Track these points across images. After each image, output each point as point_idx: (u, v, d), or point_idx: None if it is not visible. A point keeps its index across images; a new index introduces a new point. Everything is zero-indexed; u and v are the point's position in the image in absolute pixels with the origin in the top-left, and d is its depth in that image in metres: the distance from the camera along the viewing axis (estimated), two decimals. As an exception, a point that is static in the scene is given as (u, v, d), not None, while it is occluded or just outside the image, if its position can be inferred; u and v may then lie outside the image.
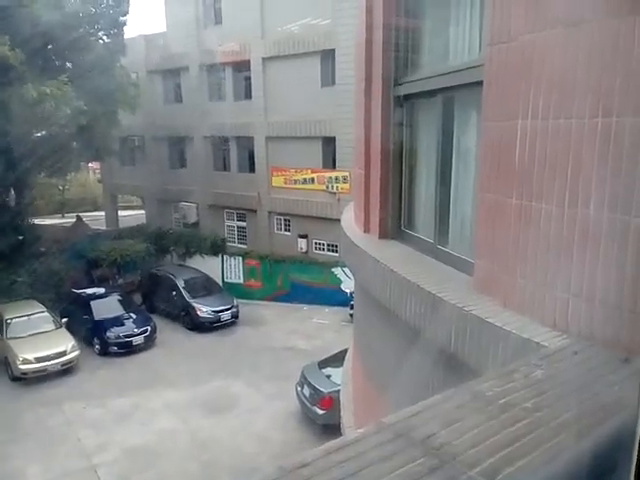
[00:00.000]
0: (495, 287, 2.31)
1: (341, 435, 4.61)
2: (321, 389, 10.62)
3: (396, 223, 3.66)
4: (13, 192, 19.69)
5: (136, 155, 25.61)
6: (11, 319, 14.37)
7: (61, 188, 32.85)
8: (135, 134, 24.42)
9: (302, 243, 19.63)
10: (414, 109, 3.46)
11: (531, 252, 2.09)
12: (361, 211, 3.97)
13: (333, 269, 17.82)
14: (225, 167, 22.70)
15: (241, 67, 20.78)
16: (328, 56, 18.01)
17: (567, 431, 1.30)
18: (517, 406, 1.45)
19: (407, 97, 3.43)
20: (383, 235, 3.66)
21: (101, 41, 19.77)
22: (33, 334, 14.10)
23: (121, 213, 28.76)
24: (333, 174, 18.41)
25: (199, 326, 16.62)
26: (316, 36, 17.88)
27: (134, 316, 16.16)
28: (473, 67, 2.62)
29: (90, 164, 32.17)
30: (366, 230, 3.88)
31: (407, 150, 3.53)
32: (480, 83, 2.43)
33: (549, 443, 1.26)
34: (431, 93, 3.13)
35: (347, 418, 4.24)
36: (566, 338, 1.90)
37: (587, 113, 1.83)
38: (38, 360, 13.43)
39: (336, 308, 17.24)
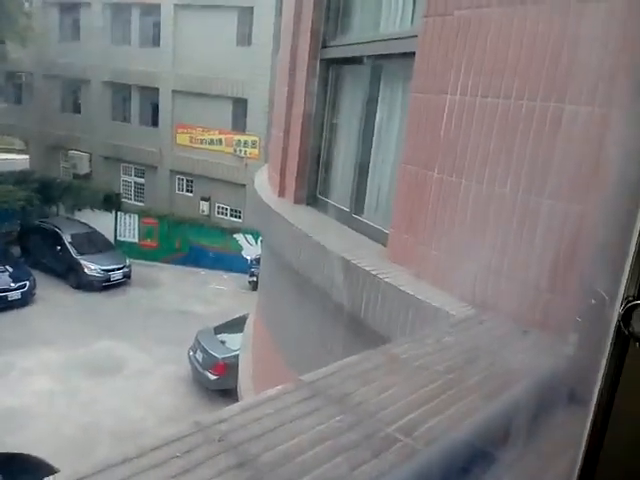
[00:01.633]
0: (409, 258, 2.37)
1: (236, 399, 4.59)
2: (215, 354, 10.52)
3: (312, 189, 3.63)
4: None
5: (23, 93, 23.07)
6: None
7: None
8: (23, 70, 21.93)
9: (204, 206, 19.05)
10: (341, 74, 3.41)
11: (447, 226, 2.16)
12: (277, 174, 3.88)
13: (235, 235, 17.55)
14: (125, 118, 21.17)
15: (150, 11, 19.34)
16: (246, 14, 17.33)
17: (477, 392, 1.37)
18: (430, 369, 1.50)
19: (334, 61, 3.38)
20: (298, 200, 3.62)
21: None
22: None
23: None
24: (242, 137, 17.96)
25: (86, 285, 15.61)
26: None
27: (10, 269, 14.77)
28: (405, 37, 2.62)
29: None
30: (281, 194, 3.81)
31: (329, 115, 3.50)
32: (411, 54, 2.44)
33: (461, 402, 1.31)
34: (359, 60, 3.10)
35: (245, 382, 4.21)
36: (472, 308, 2.00)
37: (514, 94, 1.90)
38: None
39: (235, 274, 17.06)
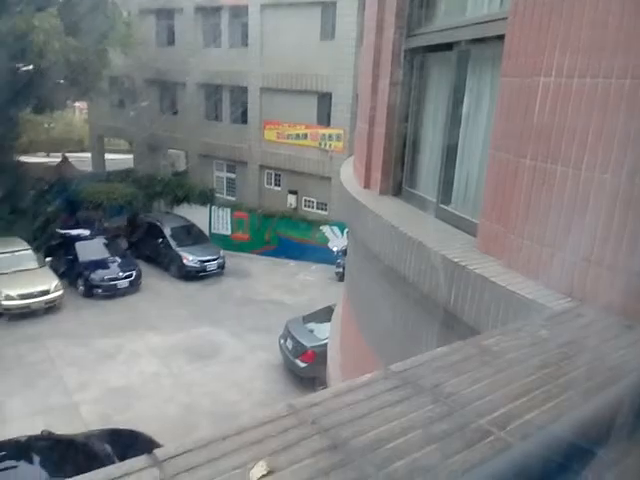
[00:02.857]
0: (500, 248, 2.31)
1: (324, 386, 4.70)
2: (304, 343, 10.79)
3: (398, 180, 3.62)
4: (-3, 127, 19.07)
5: (125, 97, 24.86)
6: (-6, 255, 14.20)
7: (47, 126, 31.91)
8: (125, 75, 23.61)
9: (292, 199, 19.50)
10: (426, 62, 3.36)
11: (541, 214, 2.07)
12: (362, 166, 3.90)
13: (321, 227, 17.81)
14: (217, 117, 22.17)
15: (238, 12, 20.02)
16: (329, 8, 17.39)
17: (575, 389, 1.31)
18: (524, 362, 1.46)
19: (419, 50, 3.32)
20: (384, 191, 3.62)
21: (93, -26, 18.79)
22: (16, 271, 13.98)
23: (108, 156, 28.14)
24: (327, 131, 18.12)
25: (185, 274, 16.62)
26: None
27: (119, 260, 16.07)
28: (494, 20, 2.52)
29: (77, 103, 31.15)
30: (366, 186, 3.83)
31: (415, 105, 3.45)
32: (499, 37, 2.35)
33: (558, 399, 1.27)
34: (445, 46, 3.03)
35: (334, 370, 4.30)
36: (570, 301, 1.91)
37: (614, 73, 1.78)
38: (21, 297, 13.37)
39: (323, 266, 17.33)
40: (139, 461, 1.04)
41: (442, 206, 3.05)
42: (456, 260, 2.33)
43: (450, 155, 3.03)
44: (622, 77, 1.76)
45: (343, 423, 1.18)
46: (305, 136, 18.87)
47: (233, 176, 21.69)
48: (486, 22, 2.62)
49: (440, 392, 1.31)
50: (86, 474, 0.99)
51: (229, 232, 19.47)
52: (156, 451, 1.08)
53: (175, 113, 23.26)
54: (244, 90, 20.22)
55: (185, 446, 1.10)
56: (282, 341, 11.58)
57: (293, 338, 11.08)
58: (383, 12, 3.61)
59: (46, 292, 13.77)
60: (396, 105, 3.52)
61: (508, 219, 2.25)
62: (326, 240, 17.68)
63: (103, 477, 1.00)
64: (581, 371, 1.41)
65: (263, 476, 1.00)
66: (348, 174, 4.47)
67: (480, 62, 2.84)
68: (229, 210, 19.49)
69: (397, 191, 3.61)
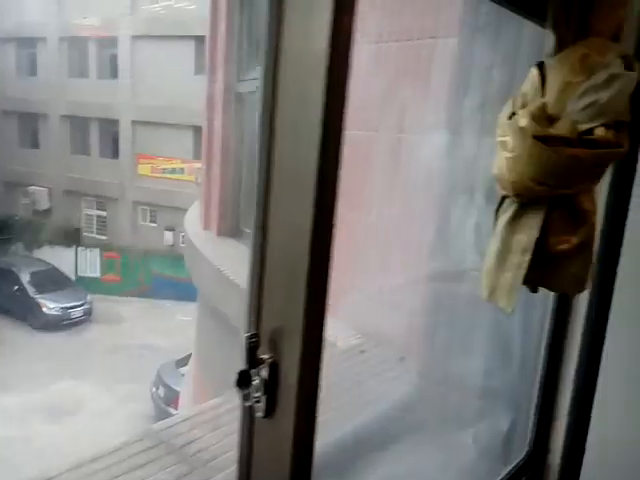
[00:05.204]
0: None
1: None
2: (176, 388, 10.26)
3: (235, 220, 3.64)
4: None
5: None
6: None
7: None
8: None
9: (169, 236, 18.84)
10: (252, 105, 3.46)
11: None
12: (202, 206, 3.88)
13: (199, 264, 17.40)
14: (85, 151, 20.94)
15: (107, 43, 19.36)
16: (203, 42, 17.50)
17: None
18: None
19: (246, 94, 3.42)
20: (221, 232, 3.62)
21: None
22: None
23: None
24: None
25: (45, 324, 15.16)
26: (190, 19, 17.23)
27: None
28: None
29: None
30: (206, 226, 3.80)
31: (247, 145, 3.52)
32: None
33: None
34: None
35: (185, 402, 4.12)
36: (360, 337, 2.01)
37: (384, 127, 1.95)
38: None
39: (201, 304, 16.84)
40: None
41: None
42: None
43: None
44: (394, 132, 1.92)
45: None
46: (182, 170, 18.51)
47: (104, 213, 20.48)
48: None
49: (189, 450, 1.28)
50: None
51: (98, 274, 18.24)
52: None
53: (37, 147, 21.62)
54: (114, 123, 19.42)
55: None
56: (153, 389, 10.94)
57: (164, 384, 10.52)
58: (215, 56, 3.68)
59: None
60: (230, 144, 3.57)
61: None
62: (205, 277, 17.27)
63: None
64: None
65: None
66: (195, 214, 4.41)
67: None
68: (98, 250, 18.31)
69: (234, 231, 3.62)
